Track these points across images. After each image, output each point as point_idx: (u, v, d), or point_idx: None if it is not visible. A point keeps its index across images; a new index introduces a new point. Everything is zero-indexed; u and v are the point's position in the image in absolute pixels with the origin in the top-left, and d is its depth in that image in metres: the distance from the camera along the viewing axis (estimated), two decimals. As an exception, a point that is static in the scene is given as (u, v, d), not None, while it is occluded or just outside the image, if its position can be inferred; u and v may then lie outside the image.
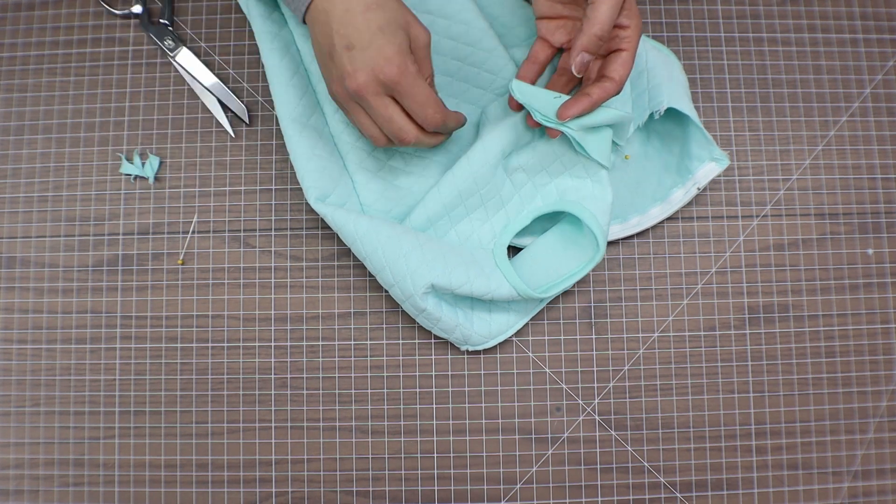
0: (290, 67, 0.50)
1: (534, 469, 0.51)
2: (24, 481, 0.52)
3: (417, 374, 0.52)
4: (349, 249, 0.53)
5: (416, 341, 0.52)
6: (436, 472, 0.51)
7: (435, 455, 0.51)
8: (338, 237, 0.53)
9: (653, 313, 0.53)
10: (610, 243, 0.53)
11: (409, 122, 0.43)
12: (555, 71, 0.50)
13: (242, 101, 0.54)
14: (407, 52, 0.42)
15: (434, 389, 0.52)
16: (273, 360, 0.52)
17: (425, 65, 0.44)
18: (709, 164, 0.51)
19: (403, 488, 0.51)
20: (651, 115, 0.50)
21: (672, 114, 0.51)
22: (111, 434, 0.52)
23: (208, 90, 0.54)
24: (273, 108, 0.55)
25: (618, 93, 0.44)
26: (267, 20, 0.51)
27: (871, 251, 0.53)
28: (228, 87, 0.54)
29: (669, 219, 0.53)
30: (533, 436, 0.51)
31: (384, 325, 0.52)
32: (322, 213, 0.48)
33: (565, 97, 0.45)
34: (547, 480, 0.51)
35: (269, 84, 0.51)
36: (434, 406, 0.52)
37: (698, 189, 0.51)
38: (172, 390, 0.52)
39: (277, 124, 0.55)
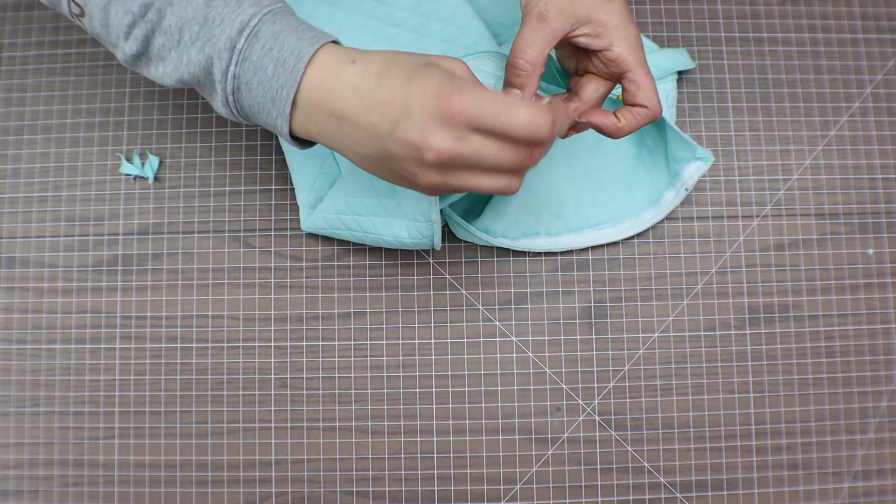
0: None
1: (534, 469, 0.51)
2: (24, 481, 0.52)
3: (417, 374, 0.52)
4: (349, 249, 0.53)
5: (416, 341, 0.52)
6: (436, 472, 0.51)
7: (435, 455, 0.51)
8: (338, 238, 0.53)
9: (653, 313, 0.52)
10: (609, 244, 0.53)
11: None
12: None
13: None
14: (452, 75, 0.33)
15: (434, 389, 0.52)
16: (273, 360, 0.52)
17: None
18: (694, 164, 0.50)
19: (403, 488, 0.51)
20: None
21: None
22: (111, 434, 0.52)
23: None
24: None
25: (656, 115, 0.38)
26: None
27: (871, 251, 0.53)
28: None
29: (669, 219, 0.53)
30: (533, 436, 0.51)
31: (384, 325, 0.52)
32: (314, 229, 0.50)
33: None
34: (547, 480, 0.51)
35: None
36: (434, 406, 0.52)
37: (686, 190, 0.51)
38: (172, 390, 0.52)
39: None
